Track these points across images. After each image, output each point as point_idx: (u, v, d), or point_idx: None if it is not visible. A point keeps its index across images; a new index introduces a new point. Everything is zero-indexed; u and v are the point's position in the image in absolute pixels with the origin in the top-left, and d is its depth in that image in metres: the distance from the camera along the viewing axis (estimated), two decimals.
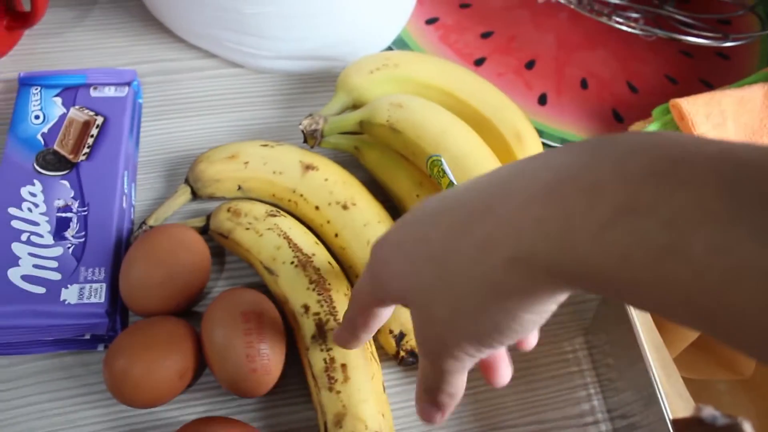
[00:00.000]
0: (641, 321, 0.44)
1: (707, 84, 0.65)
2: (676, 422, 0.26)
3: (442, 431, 0.47)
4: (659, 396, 0.42)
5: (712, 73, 0.67)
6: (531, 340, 0.40)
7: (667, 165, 0.23)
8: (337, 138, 0.54)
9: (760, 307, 0.20)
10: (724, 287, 0.21)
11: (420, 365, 0.35)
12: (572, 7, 0.61)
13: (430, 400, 0.35)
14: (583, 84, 0.64)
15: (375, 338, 0.47)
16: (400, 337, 0.46)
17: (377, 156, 0.53)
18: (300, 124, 0.52)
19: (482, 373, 0.39)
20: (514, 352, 0.50)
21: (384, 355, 0.48)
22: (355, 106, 0.54)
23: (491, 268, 0.27)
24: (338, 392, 0.43)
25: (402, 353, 0.46)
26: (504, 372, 0.39)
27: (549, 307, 0.29)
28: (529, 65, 0.64)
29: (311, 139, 0.53)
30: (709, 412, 0.26)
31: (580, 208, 0.24)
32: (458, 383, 0.34)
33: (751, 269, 0.20)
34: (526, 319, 0.29)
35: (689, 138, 0.24)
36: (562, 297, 0.29)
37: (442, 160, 0.47)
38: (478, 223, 0.28)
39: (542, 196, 0.26)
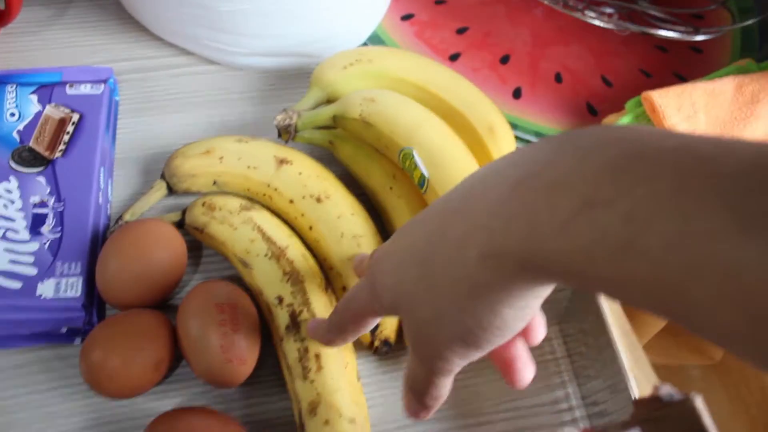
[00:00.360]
0: (610, 309, 0.44)
1: (681, 77, 0.66)
2: (636, 402, 0.26)
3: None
4: (627, 382, 0.42)
5: (686, 66, 0.67)
6: (537, 334, 0.38)
7: (626, 160, 0.23)
8: (312, 133, 0.54)
9: (716, 301, 0.20)
10: (680, 283, 0.21)
11: (409, 365, 0.36)
12: (546, 2, 0.62)
13: (416, 399, 0.36)
14: (558, 78, 0.65)
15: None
16: (375, 327, 0.47)
17: (351, 150, 0.53)
18: (274, 119, 0.53)
19: (502, 374, 0.38)
20: None
21: (359, 345, 0.48)
22: (330, 101, 0.55)
23: (467, 266, 0.28)
24: (312, 381, 0.43)
25: (376, 343, 0.47)
26: (524, 371, 0.37)
27: (529, 302, 0.30)
28: (504, 60, 0.65)
29: (285, 134, 0.53)
30: (666, 390, 0.26)
31: (543, 204, 0.25)
32: (445, 386, 0.35)
33: (705, 265, 0.20)
34: (506, 314, 0.29)
35: (652, 132, 0.24)
36: (543, 291, 0.30)
37: (414, 152, 0.47)
38: (454, 224, 0.29)
39: (508, 193, 0.27)
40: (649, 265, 0.22)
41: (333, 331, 0.40)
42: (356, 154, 0.53)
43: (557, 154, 0.26)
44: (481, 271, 0.28)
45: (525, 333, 0.37)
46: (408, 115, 0.49)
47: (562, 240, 0.24)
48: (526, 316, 0.30)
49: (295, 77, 0.62)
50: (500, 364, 0.37)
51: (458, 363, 0.33)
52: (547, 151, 0.26)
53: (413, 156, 0.47)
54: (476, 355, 0.32)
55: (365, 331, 0.39)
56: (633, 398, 0.39)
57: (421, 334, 0.33)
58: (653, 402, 0.27)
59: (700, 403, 0.26)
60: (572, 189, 0.24)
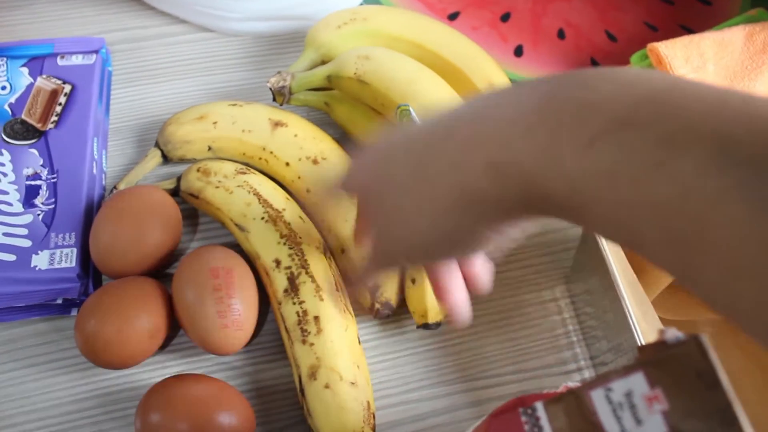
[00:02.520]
0: (617, 265, 0.43)
1: (688, 30, 0.64)
2: (641, 348, 0.25)
3: (424, 382, 0.47)
4: (637, 339, 0.41)
5: (693, 19, 0.65)
6: (481, 283, 0.38)
7: (667, 94, 0.22)
8: (307, 94, 0.53)
9: (737, 235, 0.20)
10: (707, 210, 0.20)
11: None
12: None
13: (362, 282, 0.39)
14: (560, 34, 0.63)
15: (350, 291, 0.47)
16: (375, 289, 0.46)
17: (347, 110, 0.52)
18: (267, 81, 0.52)
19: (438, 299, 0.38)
20: (495, 302, 0.50)
21: (359, 309, 0.47)
22: (324, 62, 0.53)
23: (467, 172, 0.27)
24: (312, 344, 0.42)
25: (377, 305, 0.46)
26: (484, 278, 0.38)
27: (509, 230, 0.29)
28: (505, 18, 0.63)
29: (279, 96, 0.52)
30: (671, 333, 0.25)
31: (571, 119, 0.23)
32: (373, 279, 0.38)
33: (735, 195, 0.20)
34: (482, 232, 0.28)
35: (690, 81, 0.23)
36: (524, 224, 0.29)
37: (411, 109, 0.46)
38: (464, 125, 0.28)
39: (534, 106, 0.25)
40: (678, 188, 0.21)
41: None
42: (353, 114, 0.52)
43: (596, 80, 0.24)
44: (481, 178, 0.26)
45: (468, 279, 0.38)
46: (403, 72, 0.48)
47: (586, 157, 0.23)
48: (495, 242, 0.29)
49: (289, 41, 0.61)
50: (436, 289, 0.38)
51: (403, 262, 0.34)
52: (584, 76, 0.25)
53: (410, 112, 0.46)
54: (424, 261, 0.34)
55: None
56: (638, 344, 0.38)
57: (387, 221, 0.31)
58: (658, 346, 0.26)
59: (705, 341, 0.24)
60: (608, 108, 0.23)
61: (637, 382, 0.25)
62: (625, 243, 0.24)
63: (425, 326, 0.46)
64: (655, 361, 0.25)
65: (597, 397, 0.26)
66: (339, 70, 0.50)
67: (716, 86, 0.22)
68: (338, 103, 0.52)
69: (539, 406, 0.28)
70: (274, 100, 0.52)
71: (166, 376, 0.42)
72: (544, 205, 0.25)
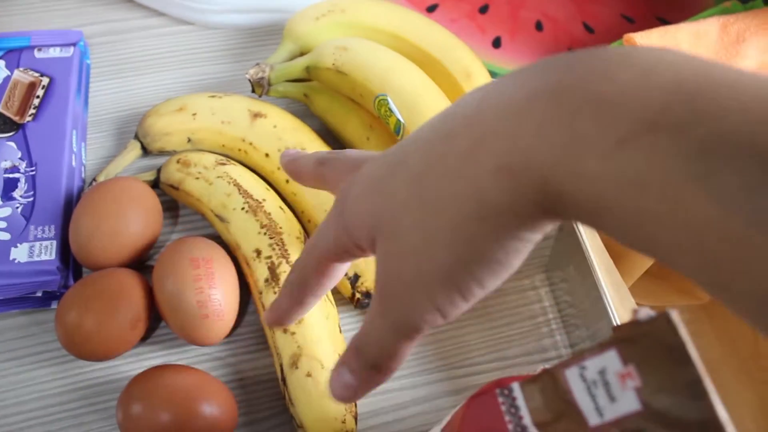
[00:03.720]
0: (594, 251, 0.43)
1: (665, 22, 0.65)
2: (615, 328, 0.25)
3: (406, 371, 0.47)
4: (615, 323, 0.42)
5: (670, 11, 0.66)
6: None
7: (696, 85, 0.19)
8: (286, 86, 0.53)
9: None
10: (747, 234, 0.18)
11: (368, 322, 0.27)
12: None
13: (365, 366, 0.27)
14: (538, 26, 0.63)
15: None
16: (355, 278, 0.46)
17: (326, 102, 0.52)
18: (246, 73, 0.52)
19: None
20: None
21: (339, 299, 0.47)
22: (303, 54, 0.53)
23: (476, 180, 0.23)
24: (293, 333, 0.42)
25: (357, 295, 0.46)
26: None
27: (535, 236, 0.25)
28: (483, 10, 0.64)
29: (258, 88, 0.52)
30: (644, 312, 0.25)
31: (592, 117, 0.21)
32: (407, 350, 0.27)
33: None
34: (509, 245, 0.24)
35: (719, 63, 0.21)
36: (546, 228, 0.25)
37: (389, 99, 0.46)
38: (464, 130, 0.24)
39: (546, 99, 0.22)
40: (716, 206, 0.18)
41: (290, 294, 0.32)
42: (332, 105, 0.52)
43: (610, 66, 0.21)
44: (492, 186, 0.23)
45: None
46: (381, 62, 0.48)
47: (611, 163, 0.20)
48: (524, 253, 0.25)
49: (268, 34, 0.61)
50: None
51: (437, 317, 0.26)
52: (595, 62, 0.21)
53: (388, 102, 0.46)
54: (460, 306, 0.26)
55: (330, 285, 0.32)
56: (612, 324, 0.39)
57: (401, 269, 0.25)
58: (631, 325, 0.26)
59: (675, 317, 0.25)
60: (630, 107, 0.20)
61: (611, 360, 0.25)
62: (643, 251, 0.22)
63: None
64: (628, 337, 0.25)
65: (571, 375, 0.26)
66: (317, 61, 0.50)
67: (747, 72, 0.20)
68: (317, 95, 0.53)
69: (515, 386, 0.28)
70: (253, 91, 0.52)
71: (149, 368, 0.42)
72: (561, 208, 0.22)
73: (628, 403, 0.24)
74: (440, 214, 0.24)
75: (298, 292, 0.32)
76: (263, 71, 0.51)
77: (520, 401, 0.28)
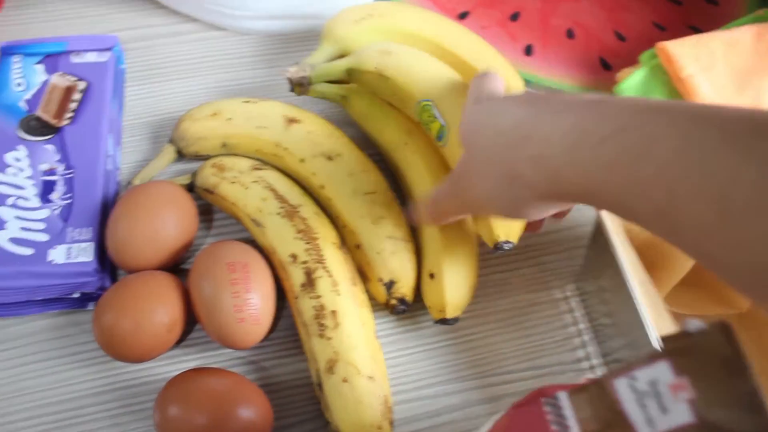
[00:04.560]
0: (628, 262, 0.43)
1: (696, 30, 0.65)
2: (664, 338, 0.25)
3: (439, 378, 0.47)
4: (649, 337, 0.41)
5: (701, 19, 0.66)
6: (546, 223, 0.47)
7: (651, 108, 0.30)
8: (324, 87, 0.53)
9: (703, 200, 0.26)
10: (677, 181, 0.27)
11: (443, 192, 0.42)
12: None
13: (433, 216, 0.44)
14: (569, 34, 0.63)
15: (365, 287, 0.47)
16: (390, 285, 0.46)
17: (365, 105, 0.52)
18: (286, 71, 0.52)
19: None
20: (507, 299, 0.50)
21: (376, 305, 0.48)
22: (341, 56, 0.54)
23: (517, 159, 0.35)
24: (329, 339, 0.43)
25: (392, 301, 0.46)
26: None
27: (545, 207, 0.37)
28: (514, 17, 0.64)
29: (298, 87, 0.52)
30: (694, 323, 0.25)
31: (590, 128, 0.31)
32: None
33: (694, 169, 0.26)
34: (524, 205, 0.36)
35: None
36: (555, 204, 0.37)
37: (432, 104, 0.46)
38: (526, 125, 0.35)
39: (569, 113, 0.33)
40: (654, 166, 0.28)
41: (432, 221, 0.46)
42: (370, 109, 0.52)
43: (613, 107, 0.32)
44: (524, 166, 0.34)
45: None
46: (424, 68, 0.48)
47: (595, 151, 0.31)
48: (544, 213, 0.38)
49: (300, 40, 0.61)
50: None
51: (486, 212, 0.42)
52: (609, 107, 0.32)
53: (432, 108, 0.46)
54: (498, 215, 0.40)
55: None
56: (650, 340, 0.38)
57: (468, 181, 0.39)
58: (680, 336, 0.26)
59: (730, 328, 0.25)
60: (614, 118, 0.31)
61: (662, 371, 0.25)
62: (625, 218, 0.32)
63: (443, 321, 0.46)
64: (680, 349, 0.25)
65: (621, 386, 0.26)
66: (359, 64, 0.50)
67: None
68: (356, 97, 0.53)
69: (562, 396, 0.28)
70: (292, 90, 0.52)
71: (184, 370, 0.43)
72: (566, 189, 0.33)
73: (680, 414, 0.24)
74: (495, 171, 0.37)
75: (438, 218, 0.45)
76: (304, 71, 0.51)
77: (568, 411, 0.28)
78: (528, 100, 0.37)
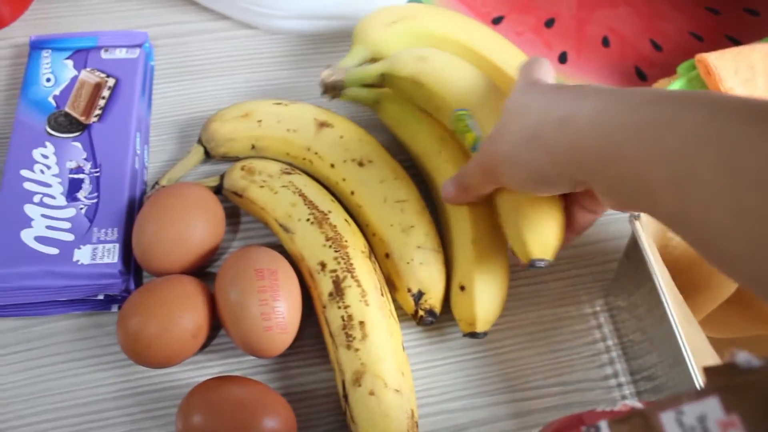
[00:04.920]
0: (663, 280, 0.42)
1: (735, 41, 0.63)
2: (708, 370, 0.24)
3: (466, 391, 0.46)
4: (685, 356, 0.40)
5: (740, 29, 0.64)
6: (581, 222, 0.43)
7: (661, 95, 0.33)
8: (357, 91, 0.52)
9: (720, 169, 0.28)
10: (698, 151, 0.29)
11: (469, 172, 0.43)
12: None
13: (460, 192, 0.45)
14: (605, 42, 0.62)
15: (393, 297, 0.46)
16: (419, 295, 0.45)
17: (398, 111, 0.51)
18: (320, 73, 0.51)
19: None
20: (536, 313, 0.49)
21: (402, 315, 0.47)
22: (374, 60, 0.53)
23: (546, 122, 0.36)
24: (357, 350, 0.42)
25: (421, 312, 0.45)
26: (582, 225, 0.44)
27: (559, 187, 0.38)
28: (549, 23, 0.63)
29: (331, 90, 0.51)
30: (743, 356, 0.24)
31: (624, 97, 0.33)
32: (485, 192, 0.44)
33: (714, 140, 0.28)
34: (555, 178, 0.37)
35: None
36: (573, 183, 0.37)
37: (468, 114, 0.45)
38: (564, 105, 0.36)
39: (607, 93, 0.35)
40: (677, 136, 0.30)
41: (459, 196, 0.46)
42: (403, 115, 0.51)
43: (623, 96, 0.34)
44: (551, 127, 0.35)
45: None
46: (460, 76, 0.47)
47: (626, 117, 0.32)
48: (560, 189, 0.39)
49: (331, 40, 0.60)
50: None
51: (512, 187, 0.41)
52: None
53: (467, 118, 0.45)
54: (527, 191, 0.40)
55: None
56: (695, 375, 0.37)
57: (496, 165, 0.40)
58: (729, 369, 0.25)
59: None
60: (645, 95, 0.33)
61: (712, 407, 0.24)
62: (632, 190, 0.32)
63: (472, 335, 0.45)
64: (732, 386, 0.24)
65: (667, 419, 0.25)
66: (394, 69, 0.49)
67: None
68: (388, 102, 0.52)
69: (603, 425, 0.27)
70: (324, 93, 0.52)
71: (207, 377, 0.42)
72: (584, 155, 0.34)
73: None
74: (519, 132, 0.38)
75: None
76: (338, 74, 0.50)
77: None
78: (574, 86, 0.38)
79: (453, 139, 0.49)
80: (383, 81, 0.50)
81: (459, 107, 0.45)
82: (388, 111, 0.52)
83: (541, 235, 0.41)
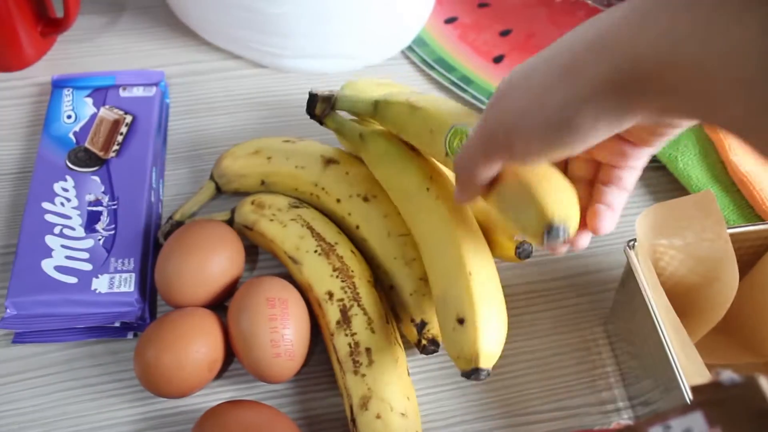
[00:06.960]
0: (659, 307, 0.44)
1: None
2: (695, 388, 0.26)
3: (469, 416, 0.48)
4: (681, 381, 0.42)
5: None
6: (582, 241, 0.40)
7: None
8: (344, 120, 0.52)
9: (717, 55, 0.26)
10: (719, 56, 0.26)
11: (471, 147, 0.37)
12: (591, 4, 0.62)
13: (466, 181, 0.39)
14: None
15: (397, 326, 0.48)
16: (422, 325, 0.47)
17: (383, 147, 0.49)
18: (314, 88, 0.52)
19: (586, 219, 0.39)
20: (537, 340, 0.51)
21: (407, 344, 0.48)
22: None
23: (576, 49, 0.31)
24: (363, 375, 0.44)
25: (424, 341, 0.47)
26: (606, 219, 0.39)
27: (597, 121, 0.31)
28: None
29: (322, 104, 0.51)
30: (726, 375, 0.26)
31: (656, 11, 0.29)
32: (492, 172, 0.38)
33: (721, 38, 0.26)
34: (586, 113, 0.31)
35: None
36: (624, 122, 0.31)
37: (469, 129, 0.42)
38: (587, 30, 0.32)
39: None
40: (697, 41, 0.27)
41: (464, 189, 0.41)
42: (388, 151, 0.49)
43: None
44: (586, 51, 0.30)
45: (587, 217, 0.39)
46: (453, 104, 0.46)
47: (670, 27, 0.28)
48: (602, 133, 0.32)
49: (339, 78, 0.63)
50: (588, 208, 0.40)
51: (522, 153, 0.34)
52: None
53: (468, 132, 0.42)
54: (543, 153, 0.34)
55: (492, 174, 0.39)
56: (689, 399, 0.39)
57: (505, 121, 0.34)
58: (713, 386, 0.27)
59: (763, 382, 0.25)
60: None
61: (696, 421, 0.26)
62: (680, 102, 0.29)
63: (474, 372, 0.41)
64: (714, 400, 0.26)
65: None
66: (389, 96, 0.49)
67: None
68: (374, 138, 0.50)
69: None
70: (310, 113, 0.52)
71: (219, 401, 0.44)
72: (635, 68, 0.29)
73: None
74: (544, 76, 0.32)
75: (468, 185, 0.40)
76: (332, 92, 0.51)
77: None
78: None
79: (441, 177, 0.48)
80: (376, 110, 0.49)
81: (457, 123, 0.44)
82: (372, 147, 0.50)
83: (558, 195, 0.37)
